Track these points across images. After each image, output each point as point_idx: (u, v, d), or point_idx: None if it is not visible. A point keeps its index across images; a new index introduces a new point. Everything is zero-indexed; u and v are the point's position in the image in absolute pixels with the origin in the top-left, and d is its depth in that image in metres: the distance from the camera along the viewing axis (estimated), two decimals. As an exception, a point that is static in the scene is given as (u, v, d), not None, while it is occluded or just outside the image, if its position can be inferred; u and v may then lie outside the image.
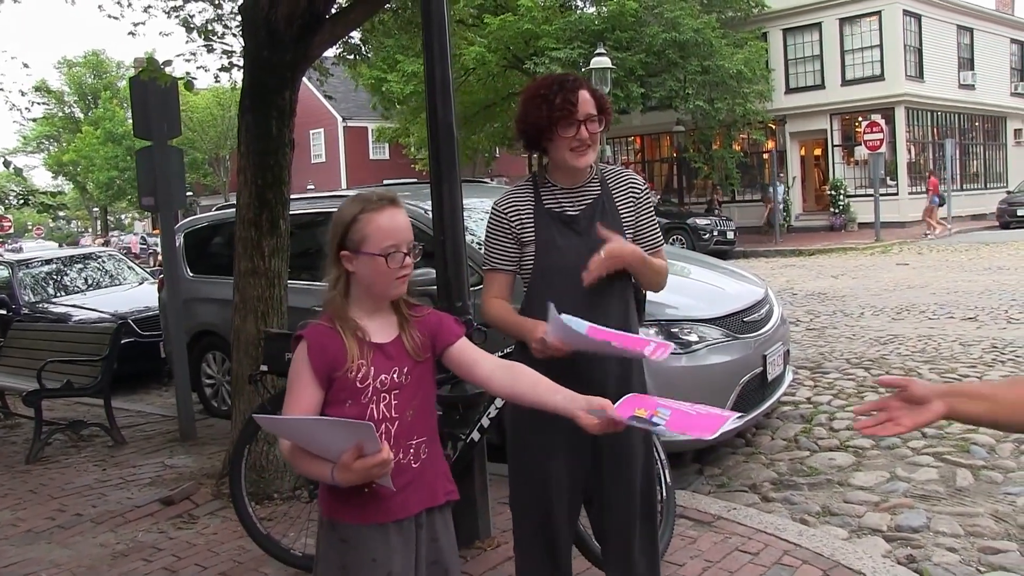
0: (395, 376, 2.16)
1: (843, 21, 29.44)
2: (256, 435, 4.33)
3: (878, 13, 28.78)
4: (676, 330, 5.05)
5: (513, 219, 2.74)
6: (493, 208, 2.80)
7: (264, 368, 3.90)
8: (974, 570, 3.82)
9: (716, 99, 25.12)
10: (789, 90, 30.40)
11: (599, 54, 18.75)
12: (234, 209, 8.10)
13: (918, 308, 11.06)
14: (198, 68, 34.73)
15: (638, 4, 23.95)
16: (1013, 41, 36.00)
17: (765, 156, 30.39)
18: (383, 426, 2.13)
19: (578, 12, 26.86)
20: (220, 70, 5.88)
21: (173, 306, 6.75)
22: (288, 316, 5.13)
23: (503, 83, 26.80)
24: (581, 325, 2.44)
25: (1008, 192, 30.91)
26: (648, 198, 2.84)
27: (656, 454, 3.20)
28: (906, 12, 28.98)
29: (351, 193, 6.39)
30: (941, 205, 26.24)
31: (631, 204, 2.79)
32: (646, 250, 2.74)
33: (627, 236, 2.72)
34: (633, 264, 2.63)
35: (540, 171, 2.82)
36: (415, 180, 8.43)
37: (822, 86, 29.85)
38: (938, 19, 30.81)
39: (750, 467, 5.38)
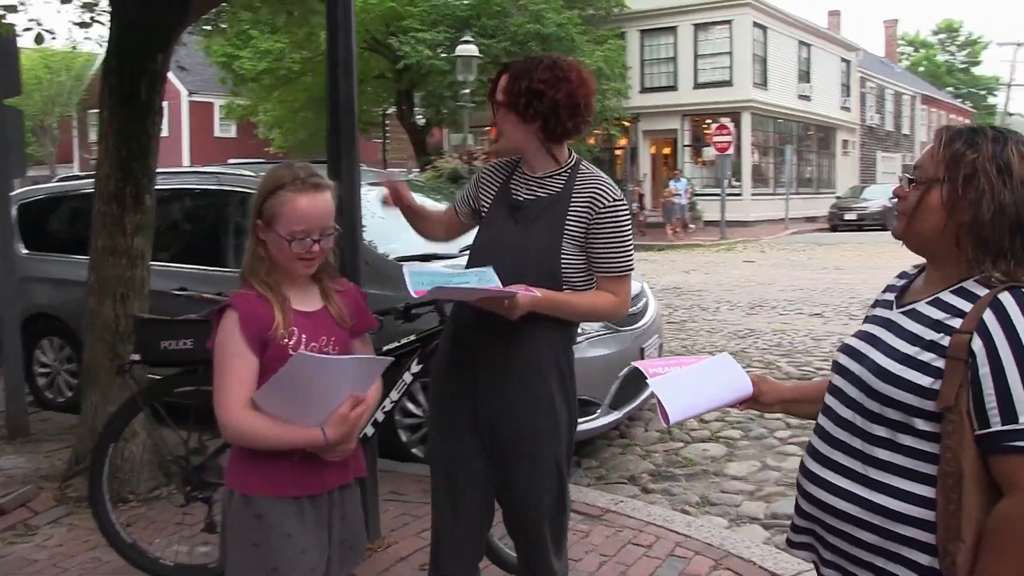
0: (323, 344, 2.11)
1: (697, 27, 30.49)
2: (124, 431, 3.90)
3: (730, 22, 29.99)
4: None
5: (480, 189, 2.71)
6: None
7: (135, 357, 3.52)
8: (848, 556, 3.95)
9: (574, 94, 25.40)
10: (643, 89, 31.19)
11: (466, 41, 18.59)
12: (77, 181, 7.57)
13: (769, 304, 11.53)
14: (39, 26, 31.74)
15: (505, -6, 23.97)
16: (842, 59, 38.32)
17: (618, 153, 31.09)
18: None
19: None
20: (77, 25, 5.30)
21: (5, 286, 5.93)
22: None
23: (362, 65, 26.19)
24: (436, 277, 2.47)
25: (837, 197, 32.94)
26: (612, 218, 2.48)
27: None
28: (755, 23, 30.35)
29: (207, 170, 5.80)
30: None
31: (585, 215, 2.48)
32: (598, 272, 2.53)
33: (567, 244, 2.48)
34: (537, 310, 2.40)
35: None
36: (263, 160, 8.06)
37: (675, 88, 30.84)
38: (782, 33, 32.42)
39: (627, 459, 5.40)
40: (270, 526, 2.07)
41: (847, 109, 38.58)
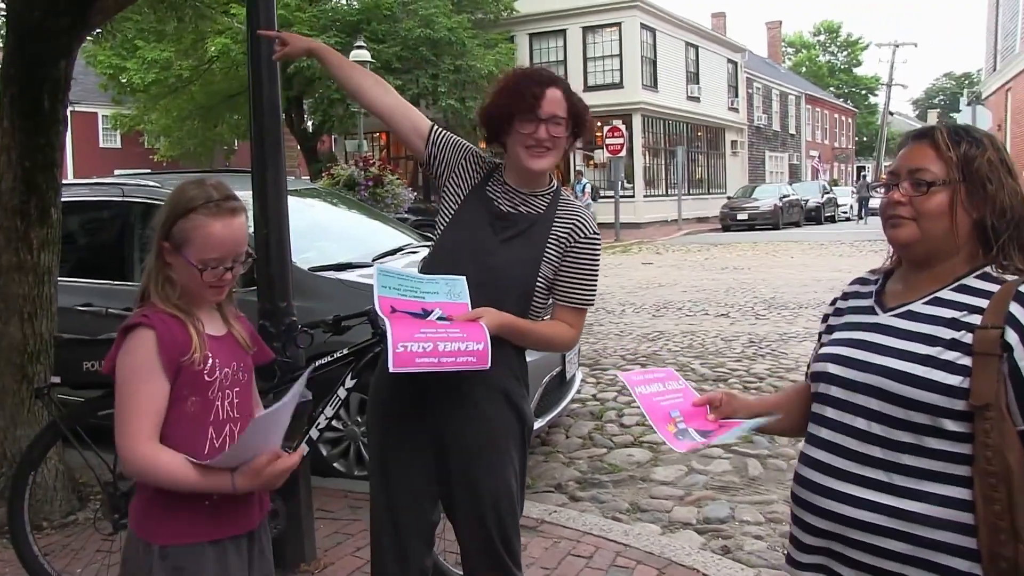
0: (234, 370, 1.99)
1: (586, 29, 30.88)
2: (45, 456, 3.67)
3: (619, 25, 30.46)
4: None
5: (460, 168, 2.57)
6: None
7: (55, 380, 3.34)
8: (780, 554, 3.97)
9: (467, 98, 25.48)
10: (534, 93, 31.35)
11: (359, 46, 18.31)
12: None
13: (674, 305, 11.69)
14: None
15: (393, -1, 23.80)
16: (729, 61, 39.47)
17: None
18: (227, 427, 1.95)
19: (332, 1, 26.25)
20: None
21: None
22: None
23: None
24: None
25: (728, 198, 33.85)
26: (589, 248, 2.48)
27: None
28: (643, 26, 30.92)
29: (110, 181, 5.51)
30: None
31: (564, 242, 2.46)
32: (560, 301, 2.49)
33: (540, 271, 2.43)
34: (499, 332, 2.31)
35: (501, 165, 2.58)
36: (149, 171, 7.82)
37: (566, 91, 31.09)
38: (670, 35, 33.13)
39: (552, 467, 5.34)
40: None
41: (735, 110, 39.74)
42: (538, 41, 31.48)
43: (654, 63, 31.90)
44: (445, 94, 25.14)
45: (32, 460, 3.52)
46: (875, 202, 39.35)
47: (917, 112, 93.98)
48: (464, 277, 2.33)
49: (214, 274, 1.91)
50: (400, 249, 5.85)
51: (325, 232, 6.02)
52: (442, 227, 2.53)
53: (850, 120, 63.85)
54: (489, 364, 2.15)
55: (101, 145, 39.41)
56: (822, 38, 74.81)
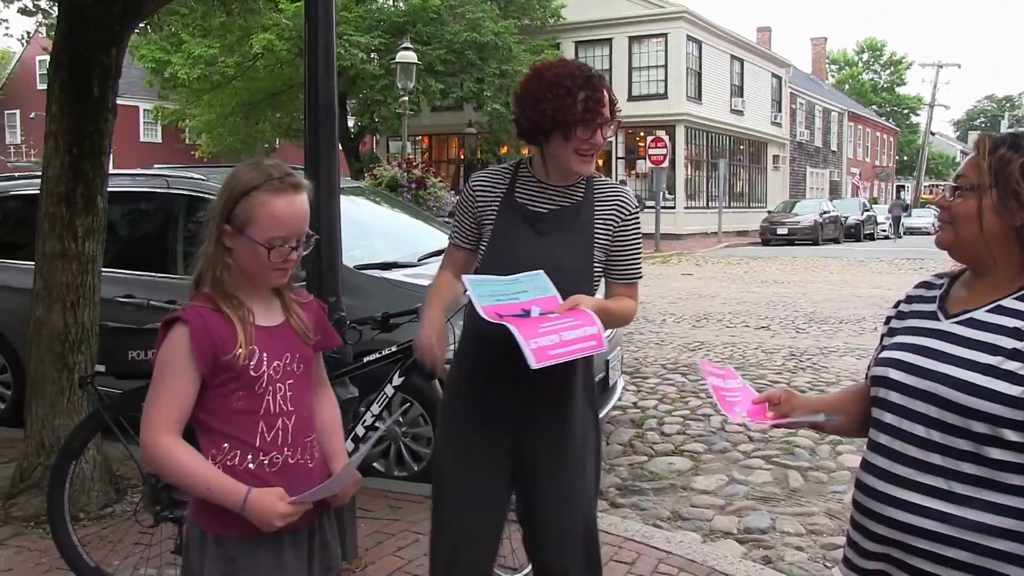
0: (287, 363, 1.93)
1: (632, 39, 30.82)
2: (86, 446, 3.65)
3: (665, 35, 30.39)
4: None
5: (479, 199, 2.50)
6: (467, 182, 2.57)
7: (100, 368, 3.31)
8: (821, 566, 3.97)
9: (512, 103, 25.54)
10: (576, 101, 31.35)
11: (405, 47, 18.40)
12: (11, 182, 7.22)
13: (715, 317, 11.62)
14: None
15: (441, 2, 23.87)
16: (773, 75, 39.20)
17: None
18: (279, 420, 1.91)
19: (379, 2, 26.43)
20: (22, 13, 4.98)
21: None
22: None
23: (292, 72, 25.91)
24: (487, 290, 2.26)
25: (769, 212, 33.61)
26: (635, 223, 2.50)
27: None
28: (689, 37, 30.82)
29: (154, 172, 5.52)
30: None
31: (611, 223, 2.47)
32: (620, 279, 2.51)
33: (595, 253, 2.45)
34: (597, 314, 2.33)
35: (525, 161, 2.55)
36: (188, 164, 8.02)
37: (610, 100, 31.06)
38: (715, 47, 32.99)
39: (592, 472, 5.31)
40: (245, 570, 1.87)
41: (778, 124, 39.45)
42: (584, 49, 31.45)
43: (699, 75, 31.78)
44: (491, 98, 25.18)
45: (73, 450, 3.49)
46: (910, 220, 39.48)
47: (958, 133, 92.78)
48: (541, 271, 2.32)
49: (280, 253, 1.86)
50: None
51: (370, 231, 6.02)
52: (484, 245, 2.49)
53: (892, 139, 63.14)
54: (605, 345, 2.18)
55: (141, 139, 39.95)
56: (866, 56, 74.13)
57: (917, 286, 1.82)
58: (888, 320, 1.83)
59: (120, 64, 4.45)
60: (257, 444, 1.88)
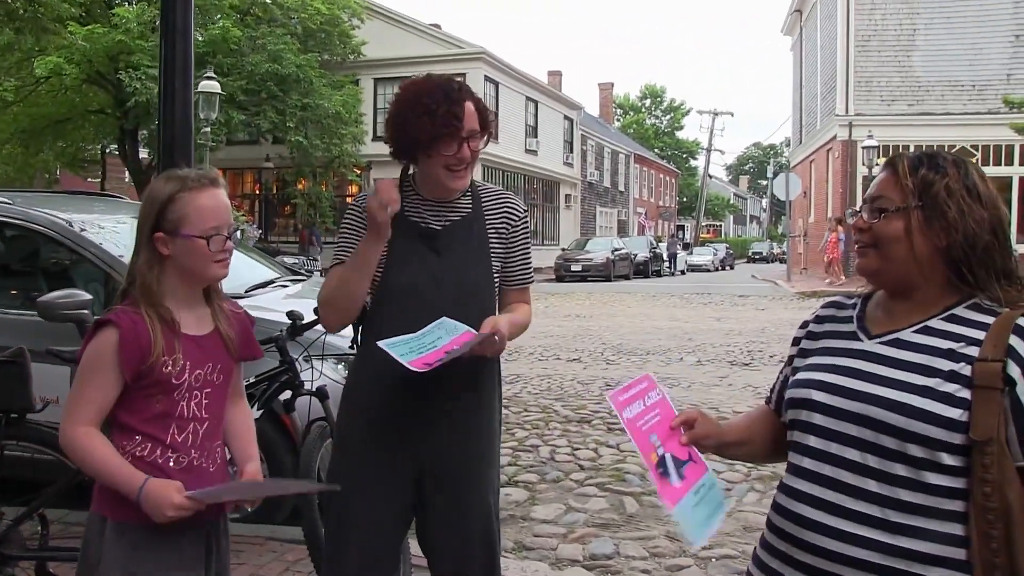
0: (208, 372, 2.05)
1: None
2: None
3: (463, 75, 30.90)
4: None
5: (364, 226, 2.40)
6: (353, 201, 2.52)
7: None
8: (668, 588, 4.11)
9: (314, 136, 25.21)
10: (376, 137, 31.25)
11: (208, 77, 17.74)
12: None
13: (526, 350, 11.85)
14: None
15: (241, 33, 23.28)
16: (565, 117, 40.93)
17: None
18: (191, 425, 2.03)
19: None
20: None
21: None
22: None
23: (80, 98, 24.38)
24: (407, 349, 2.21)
25: (563, 249, 34.88)
26: (524, 228, 2.55)
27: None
28: (487, 78, 31.65)
29: None
30: None
31: (503, 231, 2.50)
32: (515, 285, 2.55)
33: (493, 264, 2.46)
34: (512, 332, 2.42)
35: (408, 177, 2.52)
36: None
37: (411, 137, 31.26)
38: (512, 88, 34.06)
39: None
40: (146, 559, 1.95)
41: (570, 165, 41.16)
42: (383, 86, 31.50)
43: (496, 115, 32.60)
44: (292, 130, 24.79)
45: None
46: (692, 258, 42.36)
47: (730, 177, 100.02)
48: (443, 317, 2.29)
49: (217, 242, 1.99)
50: (271, 282, 5.70)
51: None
52: (382, 267, 2.40)
53: (673, 180, 67.41)
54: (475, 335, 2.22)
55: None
56: (648, 102, 78.68)
57: (825, 306, 1.78)
58: (798, 341, 1.79)
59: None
60: (168, 442, 1.99)
